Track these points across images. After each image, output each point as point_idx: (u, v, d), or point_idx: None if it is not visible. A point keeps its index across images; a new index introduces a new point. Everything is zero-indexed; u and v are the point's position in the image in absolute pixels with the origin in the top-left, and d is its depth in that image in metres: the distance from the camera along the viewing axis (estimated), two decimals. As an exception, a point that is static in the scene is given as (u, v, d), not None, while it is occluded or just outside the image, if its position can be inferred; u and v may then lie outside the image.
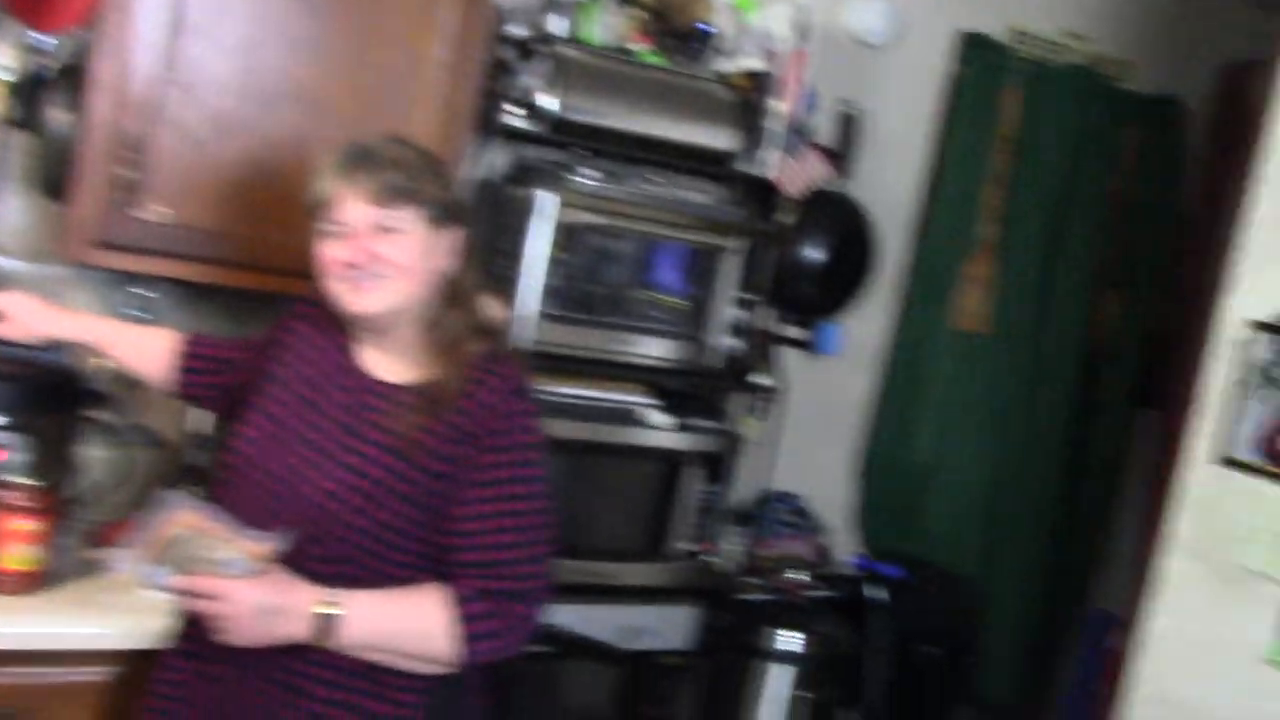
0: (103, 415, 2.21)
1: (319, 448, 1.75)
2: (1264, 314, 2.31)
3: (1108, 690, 3.77)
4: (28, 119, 2.24)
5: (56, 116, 2.19)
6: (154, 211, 2.16)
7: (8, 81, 2.23)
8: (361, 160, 1.74)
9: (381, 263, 1.73)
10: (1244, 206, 2.37)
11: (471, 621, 1.69)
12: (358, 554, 1.71)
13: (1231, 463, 2.32)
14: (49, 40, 2.25)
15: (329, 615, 1.65)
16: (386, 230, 1.73)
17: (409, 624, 1.70)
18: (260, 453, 1.79)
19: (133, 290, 2.41)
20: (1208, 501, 2.35)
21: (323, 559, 1.70)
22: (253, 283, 2.29)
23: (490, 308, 1.91)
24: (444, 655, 1.70)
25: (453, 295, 1.81)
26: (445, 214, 1.78)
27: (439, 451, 1.73)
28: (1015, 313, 3.46)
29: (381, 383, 1.80)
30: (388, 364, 1.81)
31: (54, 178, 2.21)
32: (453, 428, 1.74)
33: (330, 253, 1.75)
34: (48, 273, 2.37)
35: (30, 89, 2.24)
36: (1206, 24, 3.64)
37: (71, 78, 2.19)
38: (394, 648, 1.70)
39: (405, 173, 1.74)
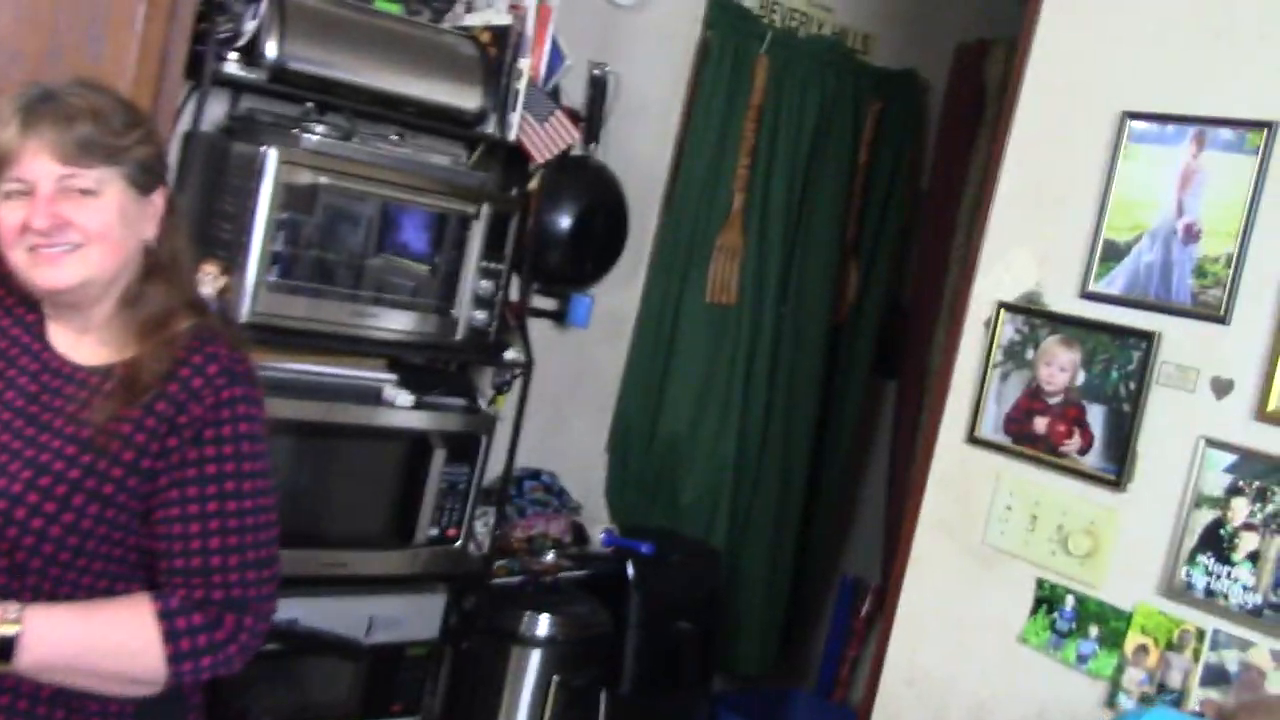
0: None
1: (4, 425, 1.53)
2: (1011, 295, 2.32)
3: (856, 655, 3.89)
4: None
5: None
6: None
7: None
8: (46, 107, 1.51)
9: (73, 229, 1.51)
10: (990, 187, 2.38)
11: (181, 637, 1.49)
12: (51, 565, 1.49)
13: (980, 442, 2.33)
14: None
15: (3, 635, 1.41)
16: (78, 192, 1.51)
17: (107, 642, 1.49)
18: None
19: None
20: (958, 480, 2.36)
21: (9, 571, 1.48)
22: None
23: (203, 278, 1.70)
24: (151, 675, 1.50)
25: (155, 266, 1.60)
26: (148, 174, 1.57)
27: (140, 444, 1.52)
28: (763, 283, 3.44)
29: (73, 365, 1.58)
30: (82, 345, 1.59)
31: None
32: (157, 417, 1.53)
33: (11, 217, 1.51)
34: None
35: None
36: (944, 1, 3.70)
37: None
38: (90, 669, 1.48)
39: (100, 124, 1.52)
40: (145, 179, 1.56)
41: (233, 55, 2.33)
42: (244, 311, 2.34)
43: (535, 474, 3.13)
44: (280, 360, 2.46)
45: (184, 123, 2.36)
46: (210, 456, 1.54)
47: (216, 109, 2.44)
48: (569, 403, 3.22)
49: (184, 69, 2.18)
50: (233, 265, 2.33)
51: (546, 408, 3.09)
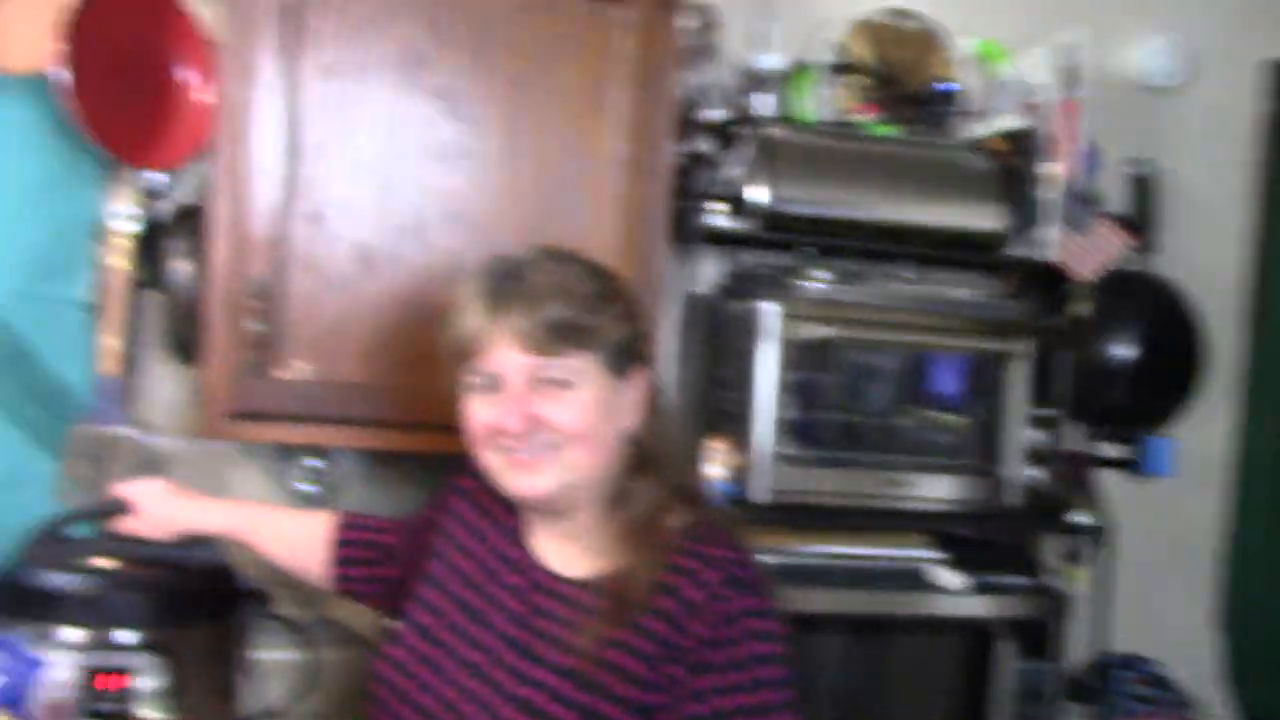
0: (278, 612, 1.81)
1: (482, 674, 1.34)
2: None
3: None
4: (151, 273, 1.94)
5: (178, 267, 1.87)
6: (293, 369, 1.78)
7: (131, 232, 1.93)
8: (512, 289, 1.33)
9: (547, 429, 1.32)
10: None
11: None
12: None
13: None
14: (162, 180, 1.95)
15: None
16: (551, 384, 1.31)
17: None
18: (409, 681, 1.39)
19: (306, 462, 2.03)
20: None
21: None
22: (422, 445, 1.87)
23: (711, 457, 1.43)
24: None
25: (641, 458, 1.37)
26: (626, 355, 1.36)
27: (640, 676, 1.27)
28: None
29: (557, 579, 1.37)
30: (567, 553, 1.39)
31: (184, 338, 1.89)
32: (653, 639, 1.28)
33: (481, 414, 1.35)
34: (202, 450, 2.03)
35: (150, 239, 1.94)
36: None
37: (190, 222, 1.88)
38: None
39: (571, 304, 1.32)
40: (623, 362, 1.34)
41: (720, 207, 2.11)
42: (760, 490, 2.04)
43: (1129, 662, 2.53)
44: (805, 543, 2.12)
45: (676, 286, 2.15)
46: (719, 687, 1.26)
47: (708, 268, 2.22)
48: (1159, 570, 2.61)
49: (669, 228, 1.97)
50: (743, 439, 2.05)
51: (1130, 579, 2.52)
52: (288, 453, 2.05)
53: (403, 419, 1.84)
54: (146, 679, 1.62)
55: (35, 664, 1.54)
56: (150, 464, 2.02)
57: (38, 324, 1.91)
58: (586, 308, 1.33)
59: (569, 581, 1.37)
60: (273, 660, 1.89)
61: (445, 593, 1.44)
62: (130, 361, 2.00)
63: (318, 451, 2.07)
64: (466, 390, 1.37)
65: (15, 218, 1.88)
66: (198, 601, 1.71)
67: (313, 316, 1.79)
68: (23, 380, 1.90)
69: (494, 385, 1.34)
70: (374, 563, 1.64)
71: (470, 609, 1.40)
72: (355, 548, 1.65)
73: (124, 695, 1.60)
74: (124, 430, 1.96)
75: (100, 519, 1.75)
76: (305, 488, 2.04)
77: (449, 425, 1.80)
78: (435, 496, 1.61)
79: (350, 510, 1.74)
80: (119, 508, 1.71)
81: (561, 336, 1.31)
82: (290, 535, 1.69)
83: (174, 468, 2.03)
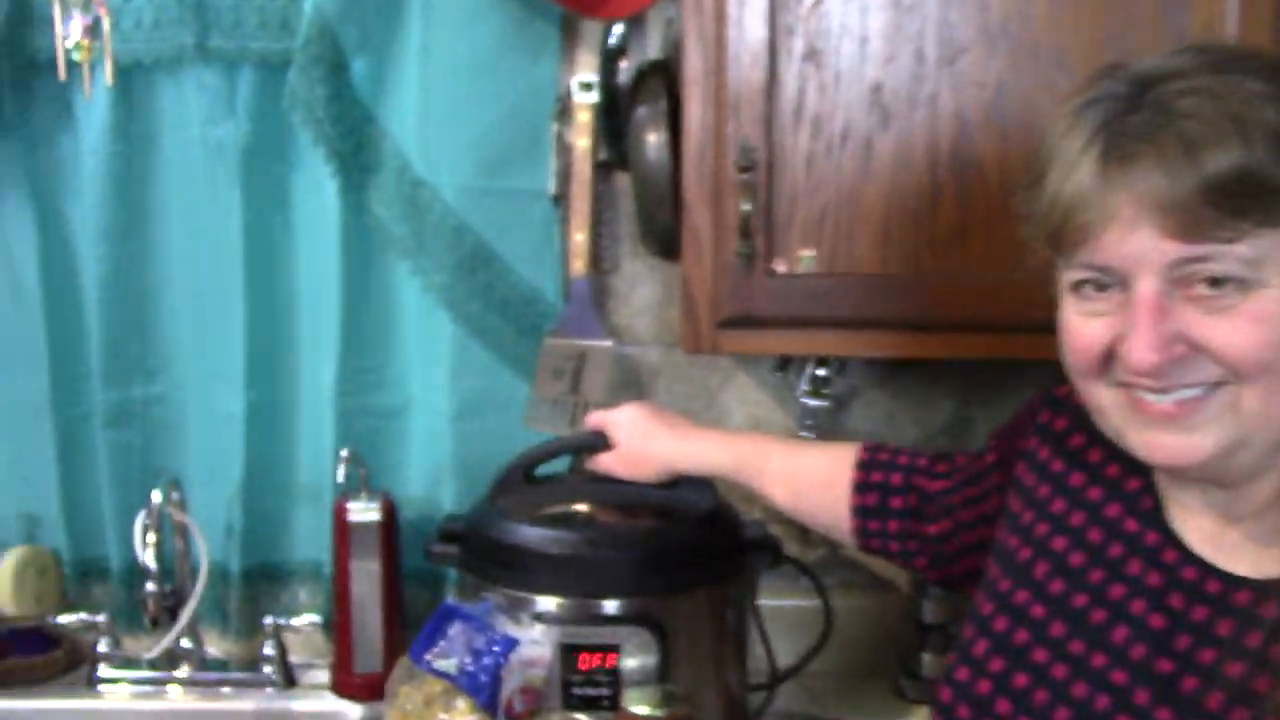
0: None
1: (1115, 690, 0.89)
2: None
3: None
4: (618, 152, 1.59)
5: (648, 140, 1.50)
6: (793, 258, 1.37)
7: (592, 104, 1.59)
8: (1145, 126, 0.83)
9: (1205, 359, 0.83)
10: None
11: None
12: None
13: None
14: (622, 34, 1.59)
15: None
16: (1214, 287, 0.82)
17: None
18: (1000, 689, 0.95)
19: (815, 372, 1.63)
20: None
21: None
22: (959, 351, 1.41)
23: None
24: None
25: None
26: None
27: None
28: None
29: (1221, 579, 0.89)
30: (1229, 541, 0.90)
31: (660, 228, 1.53)
32: None
33: (1088, 333, 0.88)
34: (690, 362, 1.69)
35: (614, 110, 1.58)
36: None
37: (658, 81, 1.50)
38: None
39: (1254, 147, 0.80)
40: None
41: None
42: None
43: None
44: None
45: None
46: None
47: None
48: None
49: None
50: None
51: None
52: (788, 360, 1.65)
53: (935, 317, 1.38)
54: (636, 657, 1.30)
55: (509, 643, 1.25)
56: (630, 381, 1.70)
57: (496, 223, 1.62)
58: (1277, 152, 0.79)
59: (1239, 583, 0.87)
60: (775, 609, 1.52)
61: (1029, 583, 0.99)
62: (602, 259, 1.68)
63: (824, 360, 1.65)
64: (1064, 293, 0.89)
65: (462, 99, 1.59)
66: (698, 560, 1.36)
67: (815, 189, 1.36)
68: (485, 289, 1.63)
69: (1113, 287, 0.85)
70: (907, 514, 1.22)
71: (1074, 615, 0.94)
72: (879, 492, 1.23)
73: (612, 678, 1.29)
74: (599, 342, 1.65)
75: (575, 455, 1.44)
76: (812, 402, 1.64)
77: (1000, 325, 1.35)
78: (1004, 432, 1.15)
79: (876, 441, 1.31)
80: (596, 442, 1.39)
81: (1235, 206, 0.80)
82: (805, 474, 1.30)
83: (658, 384, 1.70)
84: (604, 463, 1.38)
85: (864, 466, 1.25)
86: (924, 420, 1.69)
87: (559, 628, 1.29)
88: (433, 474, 1.68)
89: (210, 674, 1.67)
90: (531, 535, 1.32)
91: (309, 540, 1.72)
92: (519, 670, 1.26)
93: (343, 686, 1.63)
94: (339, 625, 1.63)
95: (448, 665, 1.25)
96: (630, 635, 1.30)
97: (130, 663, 1.67)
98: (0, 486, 1.74)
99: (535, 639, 1.27)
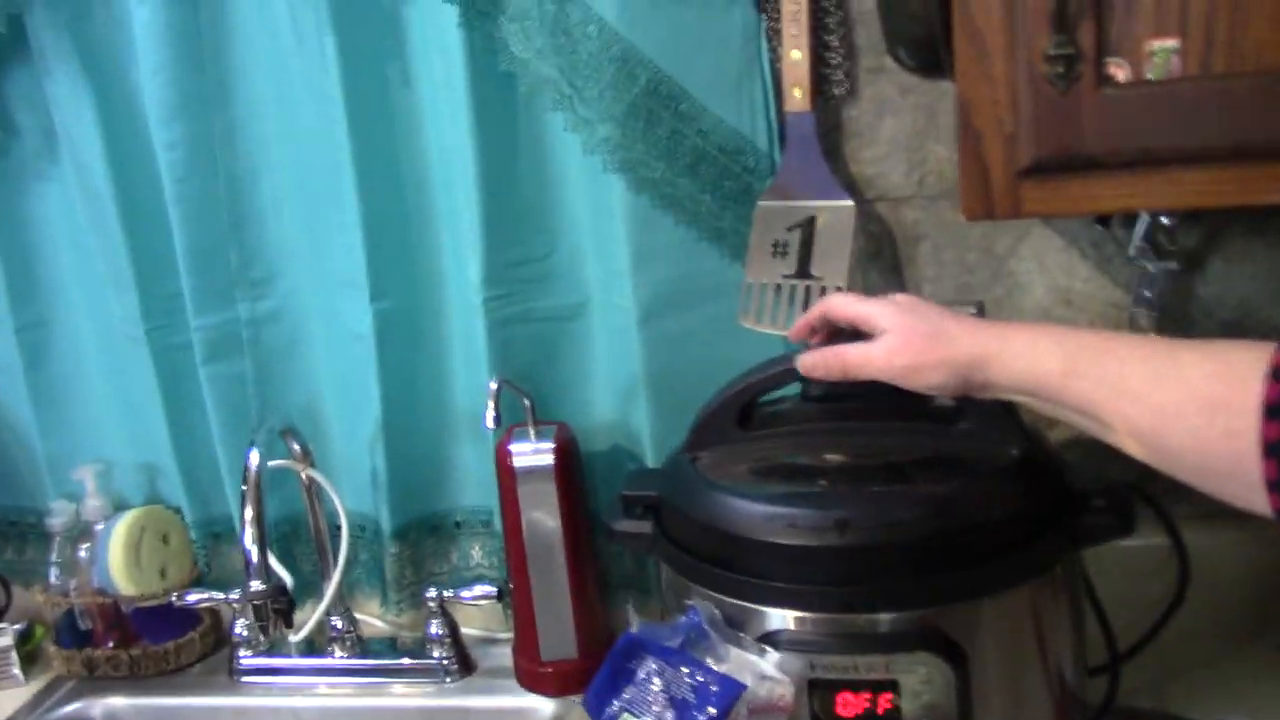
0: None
1: None
2: None
3: None
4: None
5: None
6: (1142, 57, 0.85)
7: None
8: None
9: None
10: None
11: None
12: None
13: None
14: None
15: None
16: None
17: None
18: None
19: (1162, 221, 1.11)
20: None
21: None
22: None
23: None
24: None
25: None
26: None
27: None
28: None
29: None
30: None
31: (915, 25, 1.03)
32: None
33: None
34: (960, 220, 1.20)
35: None
36: None
37: None
38: None
39: None
40: None
41: None
42: None
43: None
44: None
45: None
46: None
47: None
48: None
49: None
50: None
51: None
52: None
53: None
54: (924, 695, 0.86)
55: (730, 689, 0.83)
56: (883, 252, 1.22)
57: (679, 46, 1.15)
58: None
59: None
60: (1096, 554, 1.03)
61: None
62: (830, 85, 1.18)
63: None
64: None
65: None
66: (1013, 541, 0.89)
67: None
68: (670, 141, 1.17)
69: None
70: None
71: None
72: None
73: (888, 726, 0.86)
74: (834, 200, 1.17)
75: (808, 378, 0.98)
76: (1152, 264, 1.12)
77: None
78: None
79: None
80: (847, 335, 0.93)
81: None
82: (1175, 392, 0.77)
83: (919, 253, 1.21)
84: (864, 359, 0.90)
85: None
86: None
87: (805, 656, 0.86)
88: (622, 394, 1.26)
89: (370, 660, 1.33)
90: (756, 515, 0.88)
91: (476, 484, 1.34)
92: (749, 719, 0.84)
93: (526, 677, 1.27)
94: (517, 600, 1.25)
95: (640, 724, 0.84)
96: (912, 664, 0.85)
97: (275, 646, 1.35)
98: (114, 431, 1.42)
99: (768, 674, 0.85)
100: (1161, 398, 0.77)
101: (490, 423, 1.17)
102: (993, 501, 0.88)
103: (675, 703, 0.83)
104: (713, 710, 0.82)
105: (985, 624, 0.87)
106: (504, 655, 1.31)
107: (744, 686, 0.83)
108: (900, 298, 0.92)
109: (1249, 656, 1.18)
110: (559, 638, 1.24)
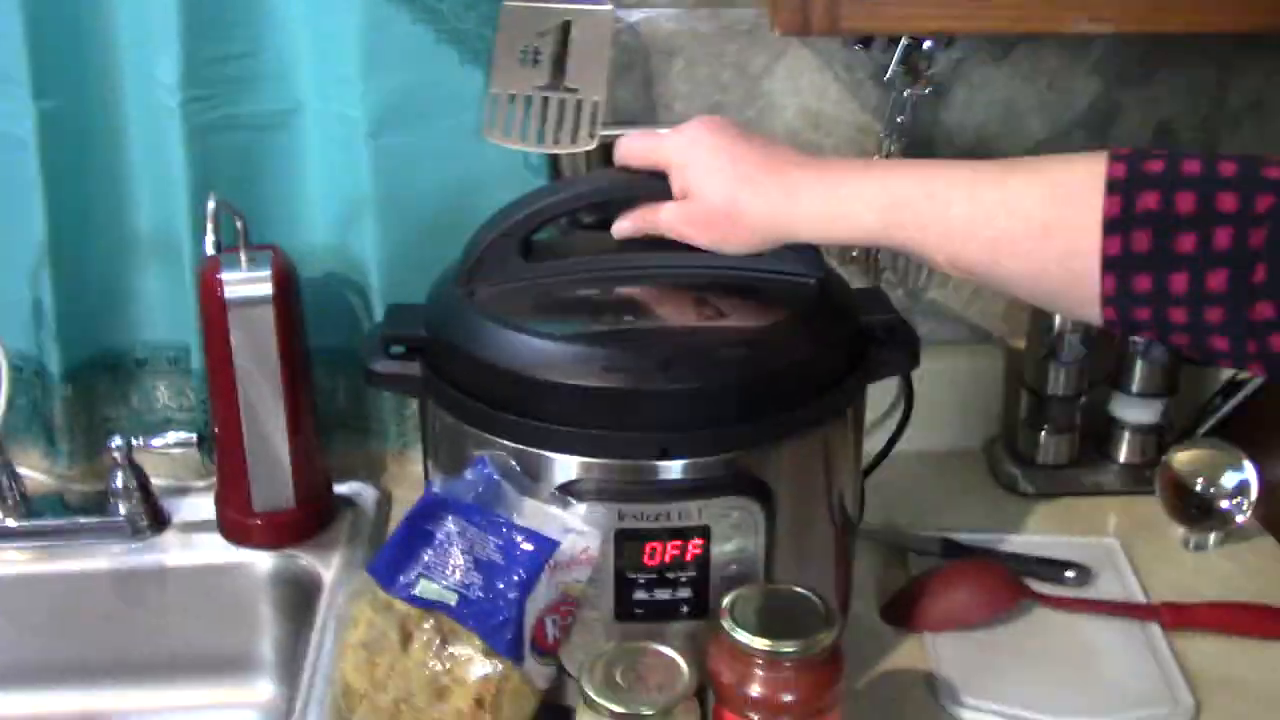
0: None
1: None
2: None
3: None
4: None
5: None
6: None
7: None
8: None
9: None
10: None
11: None
12: None
13: None
14: None
15: None
16: None
17: None
18: None
19: (923, 47, 1.09)
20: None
21: None
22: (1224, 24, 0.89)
23: None
24: None
25: None
26: None
27: None
28: None
29: None
30: None
31: None
32: None
33: None
34: (717, 35, 1.13)
35: None
36: None
37: None
38: None
39: None
40: None
41: None
42: None
43: None
44: None
45: None
46: None
47: None
48: None
49: None
50: None
51: None
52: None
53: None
54: (733, 541, 0.83)
55: (544, 547, 0.75)
56: (636, 64, 1.13)
57: None
58: None
59: None
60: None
61: None
62: None
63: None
64: None
65: None
66: (820, 378, 0.86)
67: None
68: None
69: None
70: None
71: None
72: (1159, 229, 0.69)
73: (697, 573, 0.82)
74: (590, 4, 1.06)
75: (610, 208, 0.90)
76: (908, 90, 1.11)
77: None
78: None
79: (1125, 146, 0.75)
80: (650, 190, 0.85)
81: None
82: (1008, 219, 0.74)
83: (673, 68, 1.14)
84: (671, 226, 0.84)
85: (1123, 187, 0.70)
86: (1056, 106, 1.18)
87: (610, 505, 0.80)
88: (343, 216, 1.12)
89: (40, 520, 1.15)
90: (562, 356, 0.80)
91: (163, 317, 1.16)
92: (553, 577, 0.77)
93: (234, 530, 1.13)
94: (222, 446, 1.11)
95: (439, 590, 0.75)
96: (724, 508, 0.81)
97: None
98: None
99: (572, 527, 0.78)
100: (993, 232, 0.74)
101: (210, 249, 1.01)
102: (807, 340, 0.84)
103: (481, 565, 0.75)
104: (524, 572, 0.75)
105: (786, 463, 0.84)
106: (202, 507, 1.17)
107: (557, 543, 0.76)
108: (700, 133, 0.84)
109: (968, 482, 1.25)
110: (274, 486, 1.11)
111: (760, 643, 0.76)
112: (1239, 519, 1.12)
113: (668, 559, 0.82)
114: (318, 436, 1.15)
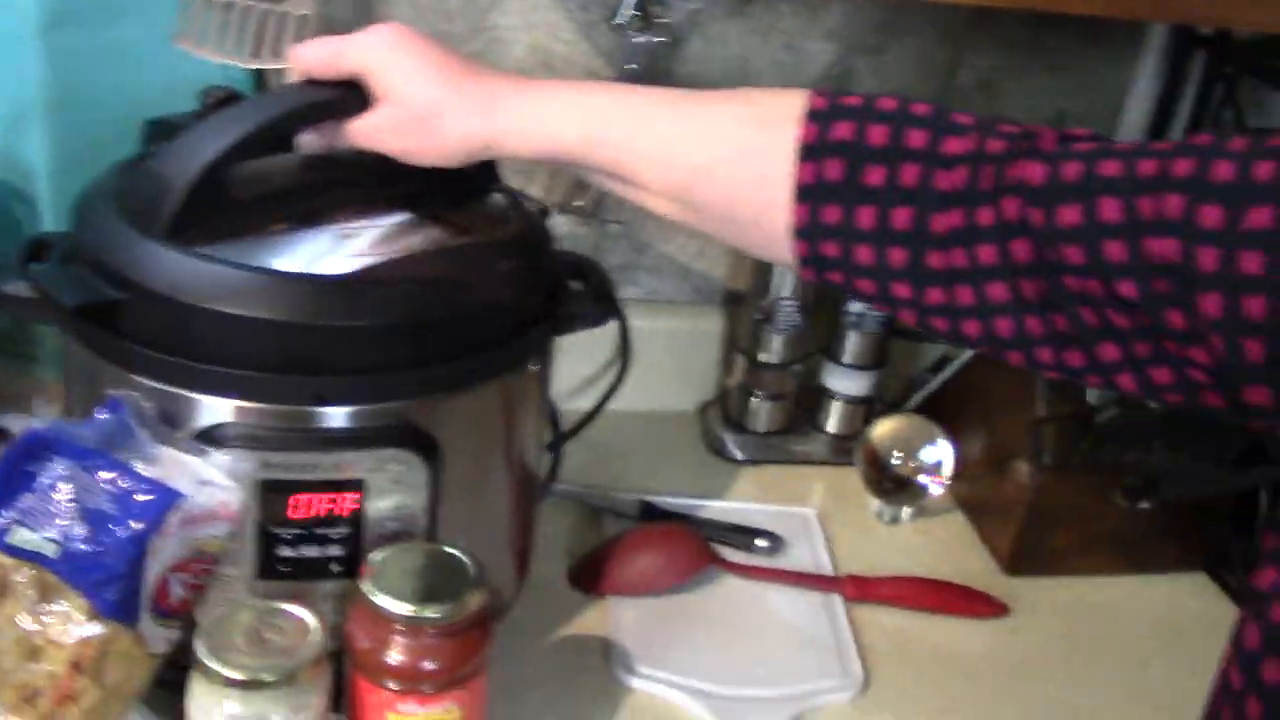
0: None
1: None
2: None
3: None
4: None
5: None
6: None
7: None
8: None
9: None
10: None
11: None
12: None
13: None
14: None
15: None
16: None
17: None
18: None
19: None
20: None
21: None
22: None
23: None
24: None
25: None
26: None
27: None
28: None
29: None
30: None
31: None
32: None
33: None
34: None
35: None
36: None
37: None
38: None
39: None
40: None
41: None
42: None
43: None
44: None
45: None
46: None
47: None
48: None
49: None
50: None
51: None
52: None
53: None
54: (390, 495, 0.77)
55: (164, 498, 0.69)
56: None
57: None
58: None
59: None
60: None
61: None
62: None
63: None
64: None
65: None
66: (501, 322, 0.81)
67: None
68: None
69: None
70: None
71: None
72: (852, 159, 0.67)
73: (350, 532, 0.77)
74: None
75: (287, 120, 0.82)
76: (638, 37, 1.07)
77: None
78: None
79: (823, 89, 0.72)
80: (339, 98, 0.78)
81: None
82: (709, 146, 0.72)
83: (393, -13, 1.07)
84: (359, 130, 0.78)
85: (821, 117, 0.68)
86: (790, 68, 1.16)
87: (255, 454, 0.74)
88: (9, 118, 1.01)
89: None
90: (203, 276, 0.73)
91: None
92: (181, 532, 0.71)
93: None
94: None
95: (38, 541, 0.68)
96: (383, 461, 0.76)
97: None
98: None
99: (207, 478, 0.72)
100: (690, 153, 0.72)
101: None
102: (489, 286, 0.79)
103: (89, 514, 0.68)
104: (137, 524, 0.68)
105: (458, 416, 0.80)
106: None
107: (180, 495, 0.69)
108: (397, 38, 0.78)
109: (678, 439, 1.23)
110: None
111: (401, 607, 0.71)
112: (932, 493, 1.14)
113: (320, 513, 0.76)
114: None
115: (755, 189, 0.70)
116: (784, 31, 1.14)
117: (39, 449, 0.69)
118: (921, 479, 1.14)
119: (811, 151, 0.68)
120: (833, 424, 1.23)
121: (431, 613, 0.71)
